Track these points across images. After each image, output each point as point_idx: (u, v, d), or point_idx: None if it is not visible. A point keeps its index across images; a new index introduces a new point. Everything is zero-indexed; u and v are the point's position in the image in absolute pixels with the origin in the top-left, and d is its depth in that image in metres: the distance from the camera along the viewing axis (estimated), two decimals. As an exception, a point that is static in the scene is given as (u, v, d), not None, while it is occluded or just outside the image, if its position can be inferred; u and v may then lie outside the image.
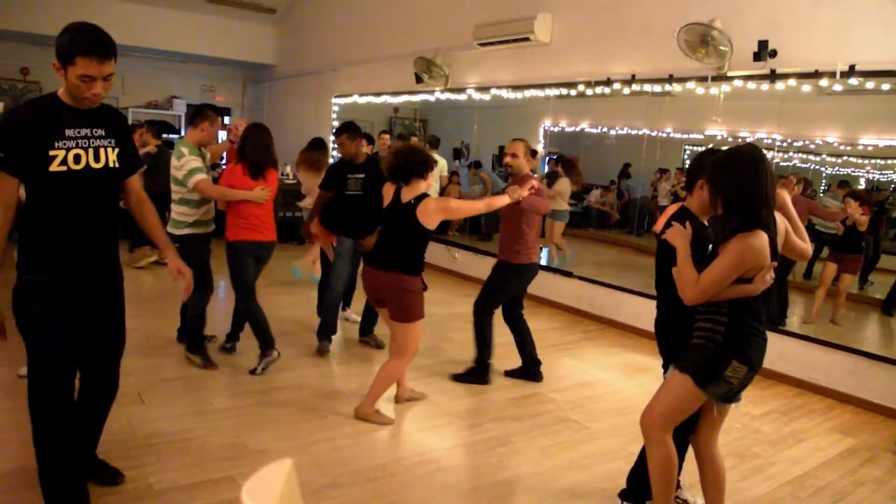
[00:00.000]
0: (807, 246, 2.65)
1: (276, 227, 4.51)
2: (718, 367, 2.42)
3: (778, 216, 2.53)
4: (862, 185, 6.25)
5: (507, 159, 4.34)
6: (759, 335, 2.47)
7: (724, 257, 2.39)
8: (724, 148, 2.55)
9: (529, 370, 4.65)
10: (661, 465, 2.57)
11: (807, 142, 6.21)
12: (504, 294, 4.53)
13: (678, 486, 2.97)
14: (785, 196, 2.64)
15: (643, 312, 5.85)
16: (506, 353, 4.86)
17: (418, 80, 8.31)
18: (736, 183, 2.38)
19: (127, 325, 2.74)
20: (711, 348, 2.45)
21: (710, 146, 2.95)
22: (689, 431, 2.72)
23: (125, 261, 3.44)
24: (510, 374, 4.69)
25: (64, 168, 2.31)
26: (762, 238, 2.35)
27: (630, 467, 3.00)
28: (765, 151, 2.47)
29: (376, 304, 3.80)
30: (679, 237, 2.52)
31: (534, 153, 4.44)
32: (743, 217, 2.37)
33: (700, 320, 2.52)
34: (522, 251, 4.34)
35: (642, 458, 2.85)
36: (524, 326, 4.66)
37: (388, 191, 3.75)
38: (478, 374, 4.51)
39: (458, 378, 4.52)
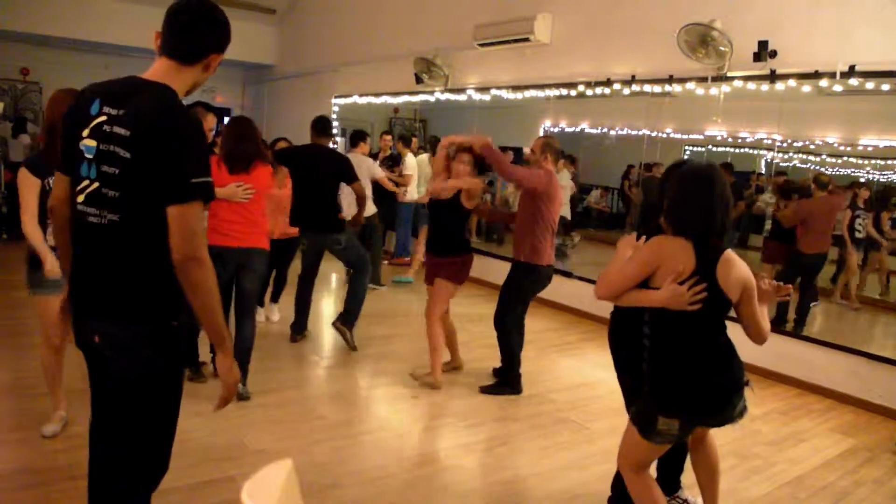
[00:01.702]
0: (765, 330, 2.38)
1: (266, 230, 4.04)
2: (649, 421, 2.31)
3: (744, 271, 2.30)
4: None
5: (526, 154, 4.49)
6: (689, 378, 2.28)
7: (633, 253, 2.34)
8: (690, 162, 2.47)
9: (511, 381, 4.42)
10: (641, 501, 2.48)
11: (807, 142, 6.21)
12: (527, 299, 4.41)
13: (679, 486, 2.98)
14: (756, 288, 2.36)
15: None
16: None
17: (418, 80, 8.31)
18: (679, 199, 2.31)
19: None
20: (643, 397, 2.37)
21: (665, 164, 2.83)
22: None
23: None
24: (485, 390, 4.40)
25: None
26: (680, 242, 2.25)
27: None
28: (723, 173, 2.34)
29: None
30: (624, 245, 2.48)
31: (555, 150, 4.26)
32: (679, 227, 2.29)
33: (643, 354, 2.43)
34: (540, 251, 4.22)
35: None
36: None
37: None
38: (510, 383, 4.39)
39: (487, 390, 4.34)
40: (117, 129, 1.70)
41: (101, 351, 1.81)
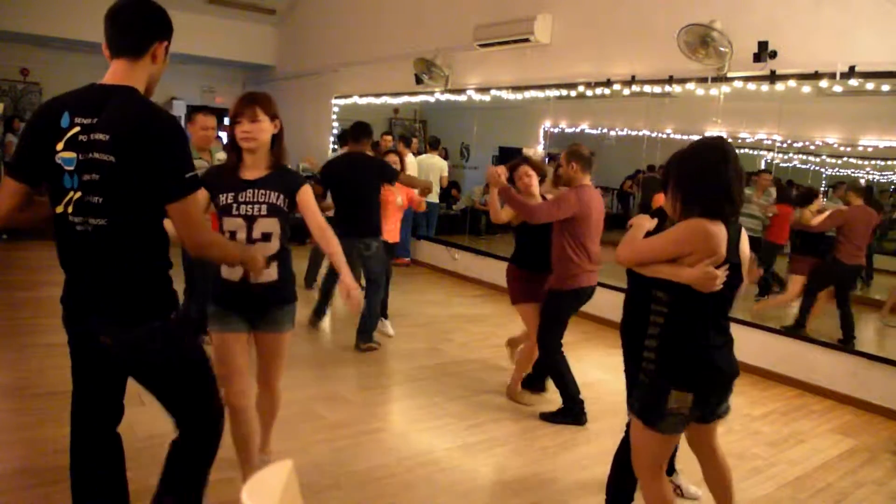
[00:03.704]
0: None
1: None
2: (658, 401, 2.19)
3: (746, 246, 2.30)
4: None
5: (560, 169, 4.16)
6: (701, 348, 2.21)
7: (669, 230, 2.25)
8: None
9: (572, 410, 4.04)
10: None
11: (807, 143, 6.21)
12: (562, 324, 4.08)
13: (673, 471, 2.98)
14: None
15: (643, 313, 5.82)
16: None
17: (418, 80, 8.32)
18: (697, 173, 2.21)
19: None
20: (647, 382, 2.26)
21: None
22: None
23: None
24: (546, 417, 4.09)
25: None
26: (720, 228, 2.16)
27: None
28: (734, 148, 2.26)
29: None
30: (638, 222, 2.47)
31: (580, 157, 3.93)
32: (704, 207, 2.18)
33: (646, 342, 2.31)
34: (570, 275, 3.98)
35: (616, 464, 2.88)
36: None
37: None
38: (572, 412, 4.01)
39: (548, 418, 4.02)
40: (96, 136, 1.75)
41: (112, 351, 1.89)
